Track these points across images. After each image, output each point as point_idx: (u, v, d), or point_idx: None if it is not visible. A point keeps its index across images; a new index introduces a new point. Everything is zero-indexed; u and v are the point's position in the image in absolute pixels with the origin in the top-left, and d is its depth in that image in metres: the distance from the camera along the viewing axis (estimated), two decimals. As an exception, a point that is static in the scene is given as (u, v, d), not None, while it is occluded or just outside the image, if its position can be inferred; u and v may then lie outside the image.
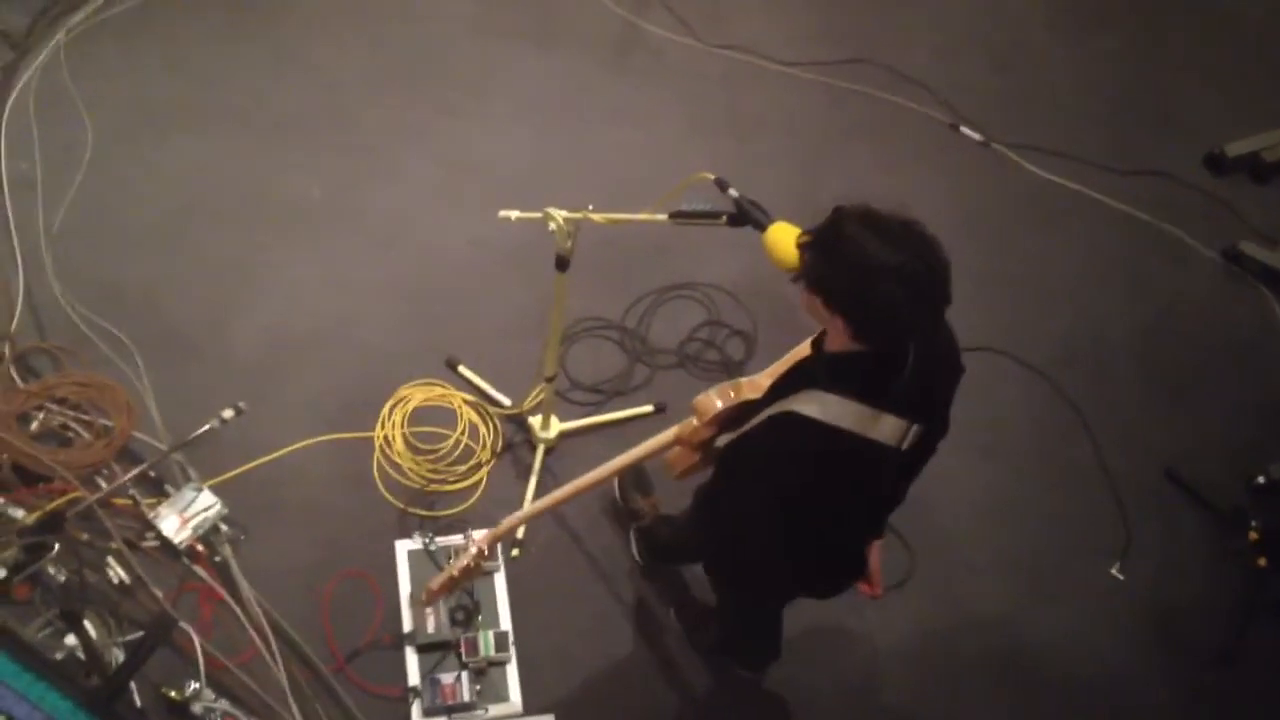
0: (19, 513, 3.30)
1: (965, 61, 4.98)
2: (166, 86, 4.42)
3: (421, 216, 4.21)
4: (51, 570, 3.24)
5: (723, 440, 2.63)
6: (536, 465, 3.65)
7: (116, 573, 3.29)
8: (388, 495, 3.58)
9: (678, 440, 2.76)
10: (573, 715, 3.31)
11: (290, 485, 3.56)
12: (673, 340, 4.03)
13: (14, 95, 4.29)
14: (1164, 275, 4.46)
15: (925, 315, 2.15)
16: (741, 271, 4.13)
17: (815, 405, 2.23)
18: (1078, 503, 3.88)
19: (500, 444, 3.72)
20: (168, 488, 3.46)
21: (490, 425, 3.74)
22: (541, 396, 3.62)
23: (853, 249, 2.11)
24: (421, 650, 3.30)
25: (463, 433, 3.69)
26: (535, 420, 3.69)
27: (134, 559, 3.32)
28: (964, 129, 4.72)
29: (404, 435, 3.66)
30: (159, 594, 3.28)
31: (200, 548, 3.36)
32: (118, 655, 3.10)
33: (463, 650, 3.28)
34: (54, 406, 3.56)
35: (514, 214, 2.92)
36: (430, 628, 3.31)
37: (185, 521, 3.35)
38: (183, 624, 3.17)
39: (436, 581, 3.05)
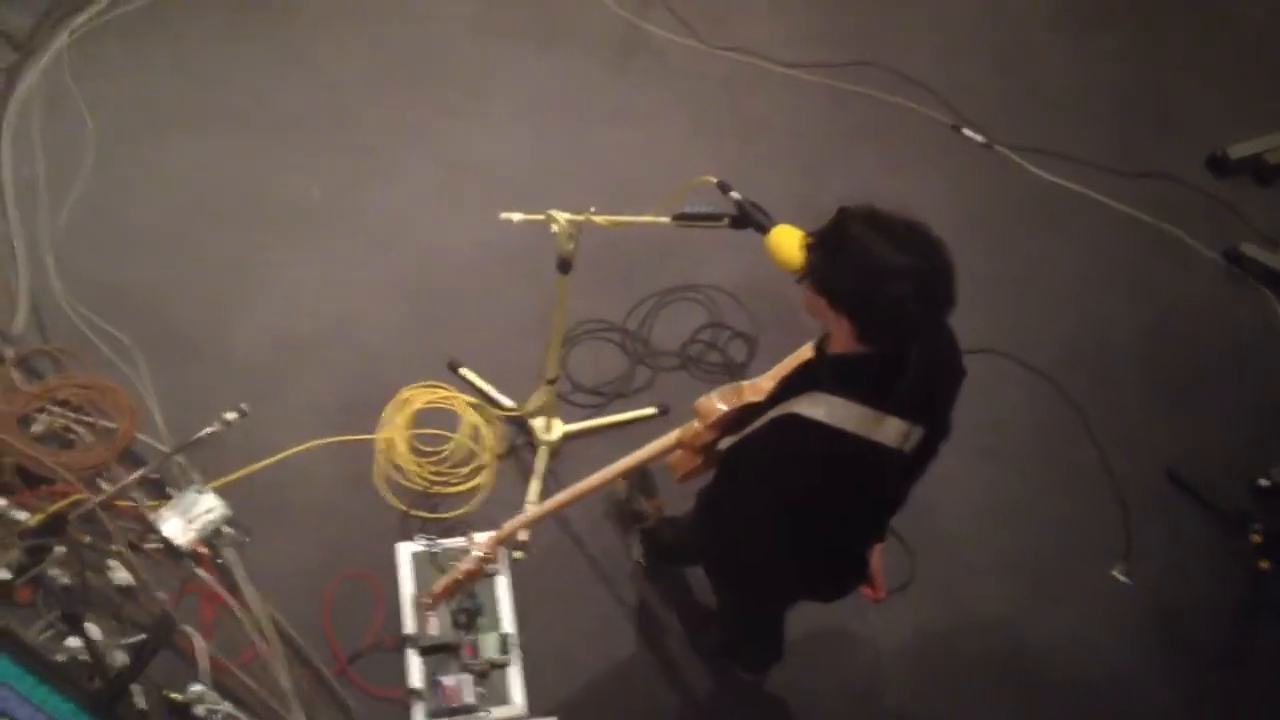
0: (22, 515, 3.30)
1: (967, 63, 4.98)
2: (169, 88, 4.42)
3: (423, 217, 4.21)
4: (54, 573, 3.23)
5: (725, 443, 2.63)
6: (539, 468, 3.65)
7: (119, 575, 3.29)
8: (390, 497, 3.58)
9: (680, 443, 2.76)
10: (575, 717, 3.30)
11: (292, 487, 3.56)
12: (675, 342, 4.03)
13: (17, 96, 4.30)
14: (1166, 277, 4.45)
15: (931, 316, 2.16)
16: (743, 273, 4.13)
17: (818, 407, 2.23)
18: (1080, 504, 3.87)
19: (503, 446, 3.71)
20: (170, 490, 3.46)
21: (492, 427, 3.73)
22: (544, 399, 3.62)
23: (859, 250, 2.11)
24: (424, 652, 3.30)
25: (465, 435, 3.69)
26: (537, 422, 3.69)
27: (137, 561, 3.32)
28: (966, 131, 4.72)
29: (406, 437, 3.66)
30: (162, 596, 3.28)
31: (203, 550, 3.35)
32: (120, 657, 3.10)
33: (465, 652, 3.28)
34: (56, 409, 3.56)
35: (516, 216, 2.92)
36: (433, 630, 3.31)
37: (188, 523, 3.35)
38: (185, 626, 3.17)
39: (440, 585, 3.05)
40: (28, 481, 3.40)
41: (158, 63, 4.48)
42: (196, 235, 4.06)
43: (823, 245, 2.19)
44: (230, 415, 3.53)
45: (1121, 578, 3.70)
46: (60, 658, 3.06)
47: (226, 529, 3.39)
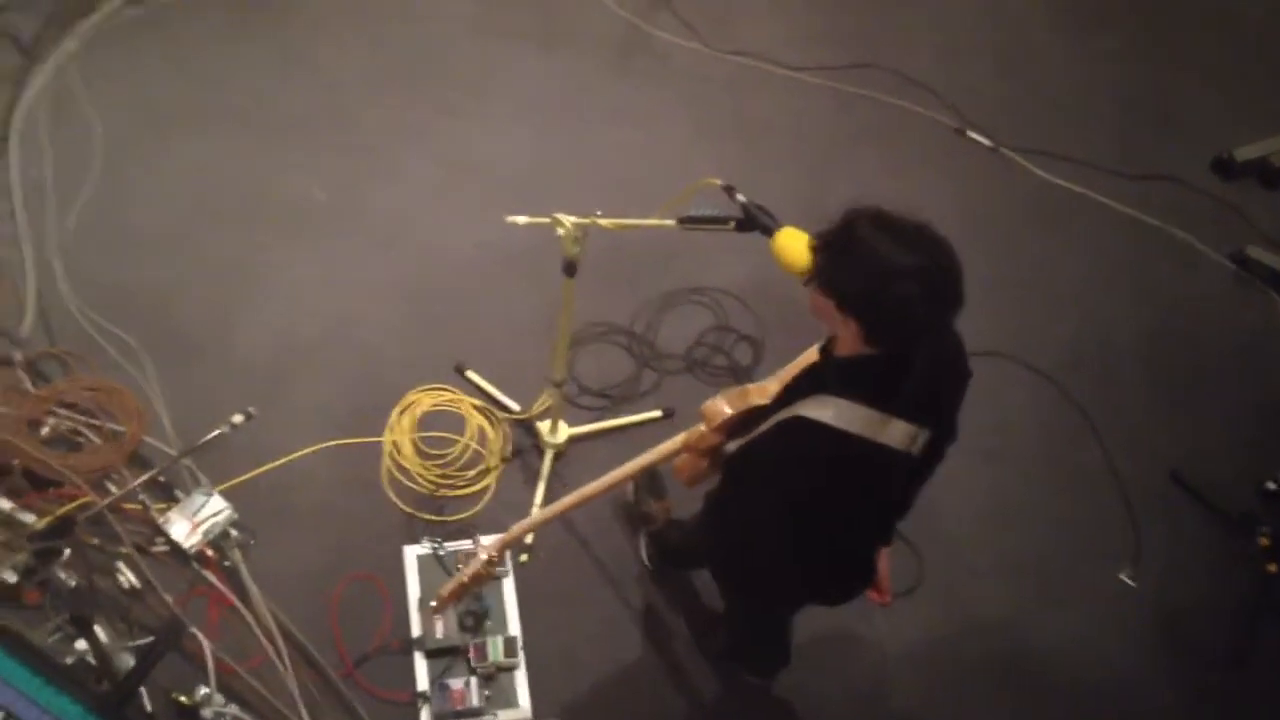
0: (29, 518, 3.30)
1: (969, 64, 4.97)
2: (175, 90, 4.43)
3: (426, 218, 4.22)
4: (62, 575, 3.24)
5: (731, 446, 2.63)
6: (545, 470, 3.65)
7: (126, 578, 3.30)
8: (396, 500, 3.58)
9: (686, 447, 2.76)
10: (581, 720, 3.32)
11: (299, 490, 3.57)
12: (681, 345, 4.04)
13: (25, 100, 4.30)
14: (1172, 279, 4.45)
15: (938, 317, 2.16)
16: (749, 276, 4.13)
17: (825, 410, 2.23)
18: (1085, 507, 3.87)
19: (509, 449, 3.72)
20: (177, 493, 3.46)
21: (498, 430, 3.74)
22: (550, 402, 3.62)
23: (866, 251, 2.11)
24: (430, 655, 3.31)
25: (471, 438, 3.70)
26: (544, 425, 3.69)
27: (144, 564, 3.32)
28: (971, 133, 4.72)
29: (412, 440, 3.67)
30: (169, 599, 3.29)
31: (210, 553, 3.36)
32: (128, 660, 3.10)
33: (471, 655, 3.29)
34: (64, 411, 3.57)
35: (522, 219, 2.92)
36: (439, 633, 3.32)
37: (195, 526, 3.35)
38: (192, 629, 3.18)
39: (447, 588, 3.05)
40: (36, 484, 3.40)
41: (164, 66, 4.49)
42: (202, 237, 4.07)
43: (830, 247, 2.19)
44: (237, 418, 3.54)
45: (1129, 581, 3.70)
46: (68, 660, 3.06)
47: (233, 532, 3.40)
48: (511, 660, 3.30)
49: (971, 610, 3.62)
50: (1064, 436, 4.01)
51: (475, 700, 3.24)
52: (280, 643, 3.25)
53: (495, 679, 3.29)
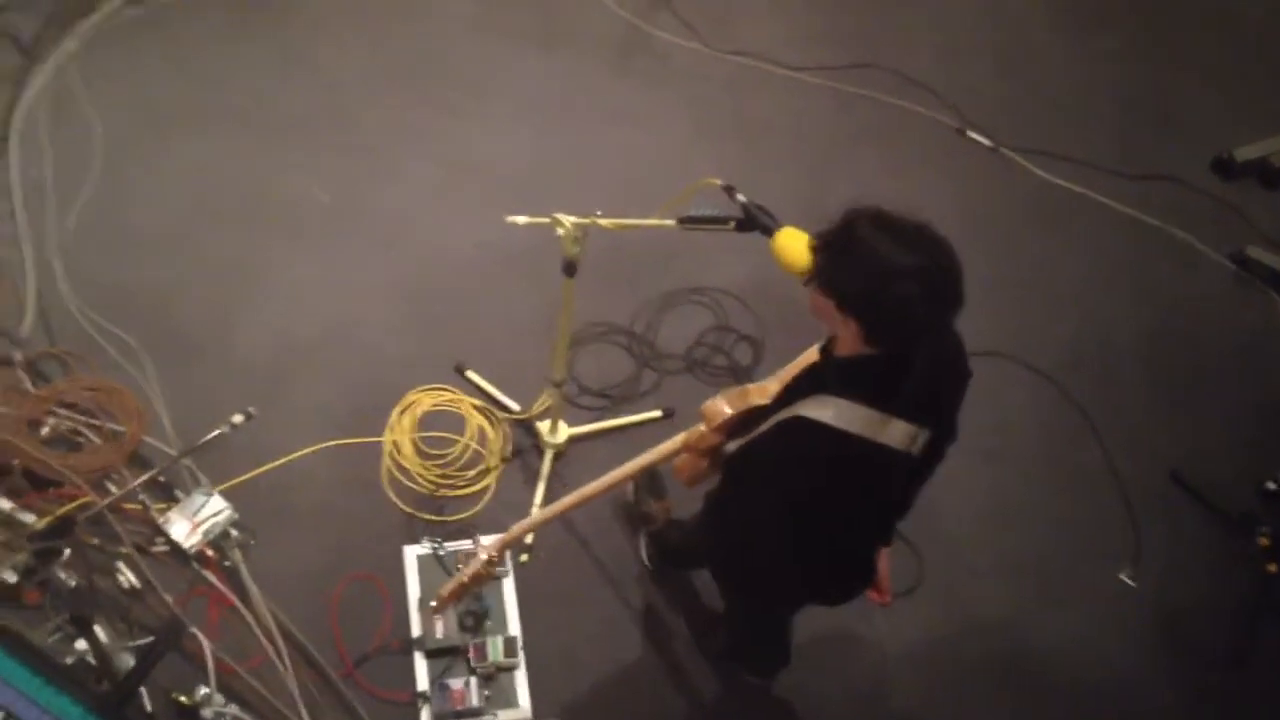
0: (29, 518, 3.31)
1: (969, 64, 4.98)
2: (175, 90, 4.43)
3: (426, 218, 4.22)
4: (62, 575, 3.24)
5: (731, 446, 2.63)
6: (545, 470, 3.65)
7: (126, 578, 3.30)
8: (396, 500, 3.59)
9: (685, 447, 2.76)
10: (581, 720, 3.32)
11: (299, 490, 3.57)
12: (680, 345, 4.04)
13: (25, 100, 4.30)
14: (1172, 280, 4.46)
15: (938, 316, 2.16)
16: (749, 276, 4.13)
17: (825, 410, 2.23)
18: (1085, 507, 3.88)
19: (509, 449, 3.72)
20: (177, 492, 3.46)
21: (498, 430, 3.74)
22: (550, 402, 3.62)
23: (866, 251, 2.11)
24: (430, 655, 3.31)
25: (471, 438, 3.70)
26: (543, 425, 3.69)
27: (144, 564, 3.32)
28: (972, 133, 4.72)
29: (412, 440, 3.67)
30: (169, 599, 3.29)
31: (210, 553, 3.36)
32: (128, 660, 3.10)
33: (471, 655, 3.29)
34: (64, 411, 3.57)
35: (522, 219, 2.92)
36: (439, 633, 3.32)
37: (195, 526, 3.35)
38: (192, 629, 3.18)
39: (447, 588, 3.05)
40: (36, 484, 3.40)
41: (164, 66, 4.49)
42: (202, 237, 4.07)
43: (830, 246, 2.19)
44: (237, 418, 3.54)
45: (1129, 581, 3.70)
46: (68, 660, 3.07)
47: (233, 531, 3.40)
48: (511, 660, 3.30)
49: (971, 610, 3.62)
50: (1064, 436, 4.01)
51: (475, 700, 3.24)
52: (280, 643, 3.25)
53: (495, 679, 3.29)
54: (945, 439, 2.44)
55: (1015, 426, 3.99)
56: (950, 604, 3.61)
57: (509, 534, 3.03)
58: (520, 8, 4.89)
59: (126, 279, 3.92)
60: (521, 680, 3.31)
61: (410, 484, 3.61)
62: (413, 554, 3.48)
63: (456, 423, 3.74)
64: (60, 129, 4.25)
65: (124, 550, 3.33)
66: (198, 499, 3.40)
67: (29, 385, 3.63)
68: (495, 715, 3.25)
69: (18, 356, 3.68)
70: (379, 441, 3.67)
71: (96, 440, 3.53)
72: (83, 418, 3.56)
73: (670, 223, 2.86)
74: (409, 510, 3.57)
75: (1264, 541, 3.74)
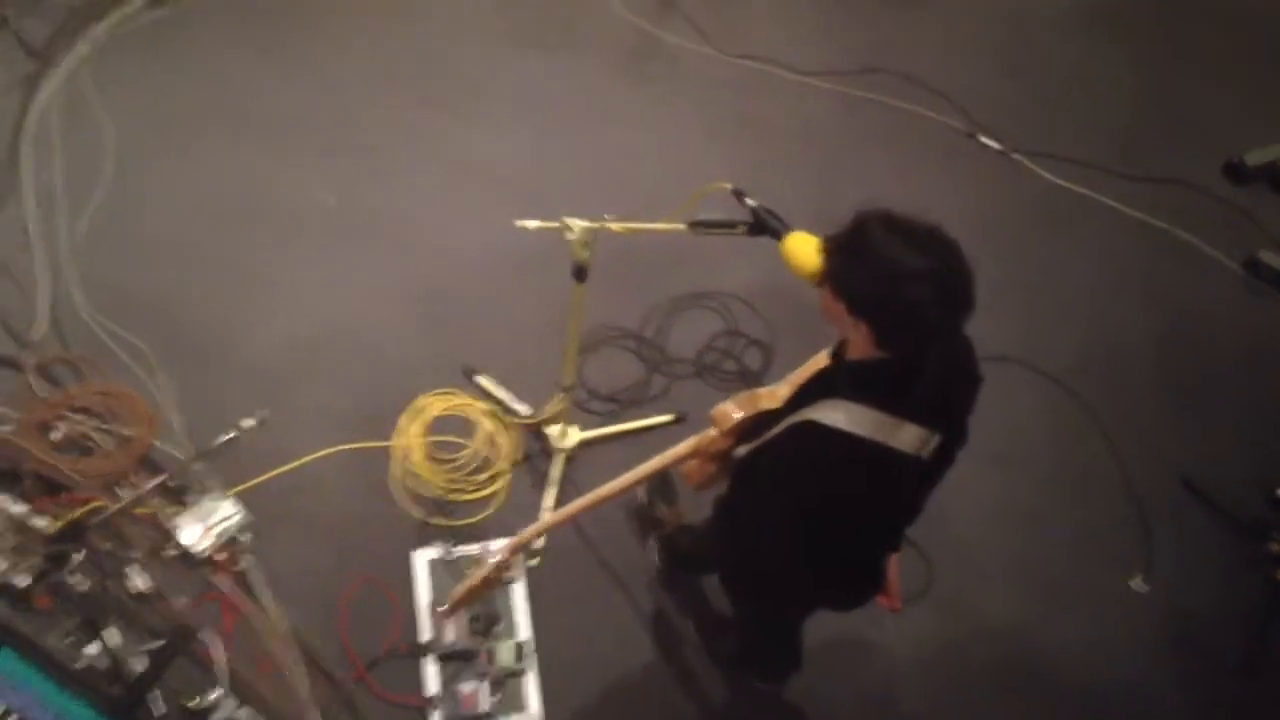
0: (41, 522, 3.31)
1: (980, 69, 4.98)
2: (187, 95, 4.45)
3: (436, 223, 4.23)
4: (73, 579, 3.25)
5: (741, 451, 2.63)
6: (555, 475, 3.65)
7: (137, 582, 3.30)
8: (406, 505, 3.59)
9: (696, 451, 2.76)
10: (591, 726, 3.31)
11: (309, 494, 3.58)
12: (690, 350, 4.04)
13: (37, 105, 4.32)
14: (1182, 284, 4.45)
15: (949, 319, 2.15)
16: (759, 280, 4.13)
17: (836, 413, 2.23)
18: (1095, 512, 3.86)
19: (519, 454, 3.72)
20: (188, 497, 3.47)
21: (508, 435, 3.74)
22: (560, 406, 3.62)
23: (878, 253, 2.11)
24: (441, 660, 3.30)
25: (481, 442, 3.70)
26: (553, 430, 3.69)
27: (155, 568, 3.33)
28: (982, 137, 4.72)
29: (423, 445, 3.67)
30: (180, 603, 3.29)
31: (221, 556, 3.37)
32: (139, 664, 3.11)
33: (482, 660, 3.29)
34: (75, 416, 3.58)
35: (532, 223, 2.92)
36: (449, 637, 3.32)
37: (206, 530, 3.36)
38: (203, 633, 3.19)
39: (458, 592, 3.05)
40: (47, 489, 3.41)
41: (176, 71, 4.52)
42: (212, 241, 4.08)
43: (841, 249, 2.19)
44: (248, 422, 3.55)
45: (1138, 587, 3.69)
46: (79, 664, 3.07)
47: (243, 535, 3.40)
48: (522, 665, 3.30)
49: (981, 615, 3.61)
50: (1074, 441, 4.00)
51: (485, 705, 3.23)
52: (291, 646, 3.25)
53: (505, 683, 3.29)
54: (956, 443, 2.43)
55: (1025, 431, 3.98)
56: (960, 609, 3.60)
57: (519, 537, 3.04)
58: (530, 12, 4.91)
59: (137, 283, 3.93)
60: (532, 684, 3.30)
61: (420, 489, 3.61)
62: (423, 558, 3.48)
63: (467, 427, 3.74)
64: (72, 133, 4.27)
65: (135, 554, 3.34)
66: (208, 503, 3.41)
67: (40, 390, 3.64)
68: (505, 719, 3.25)
69: (30, 361, 3.69)
70: (389, 446, 3.67)
71: (108, 445, 3.54)
72: (94, 422, 3.57)
73: (680, 227, 2.86)
74: (419, 515, 3.57)
75: (1275, 548, 3.72)
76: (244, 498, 3.47)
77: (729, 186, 2.83)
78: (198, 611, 3.30)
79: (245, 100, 4.46)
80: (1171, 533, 3.82)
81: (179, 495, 3.49)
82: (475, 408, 3.77)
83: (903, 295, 2.08)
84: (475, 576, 3.00)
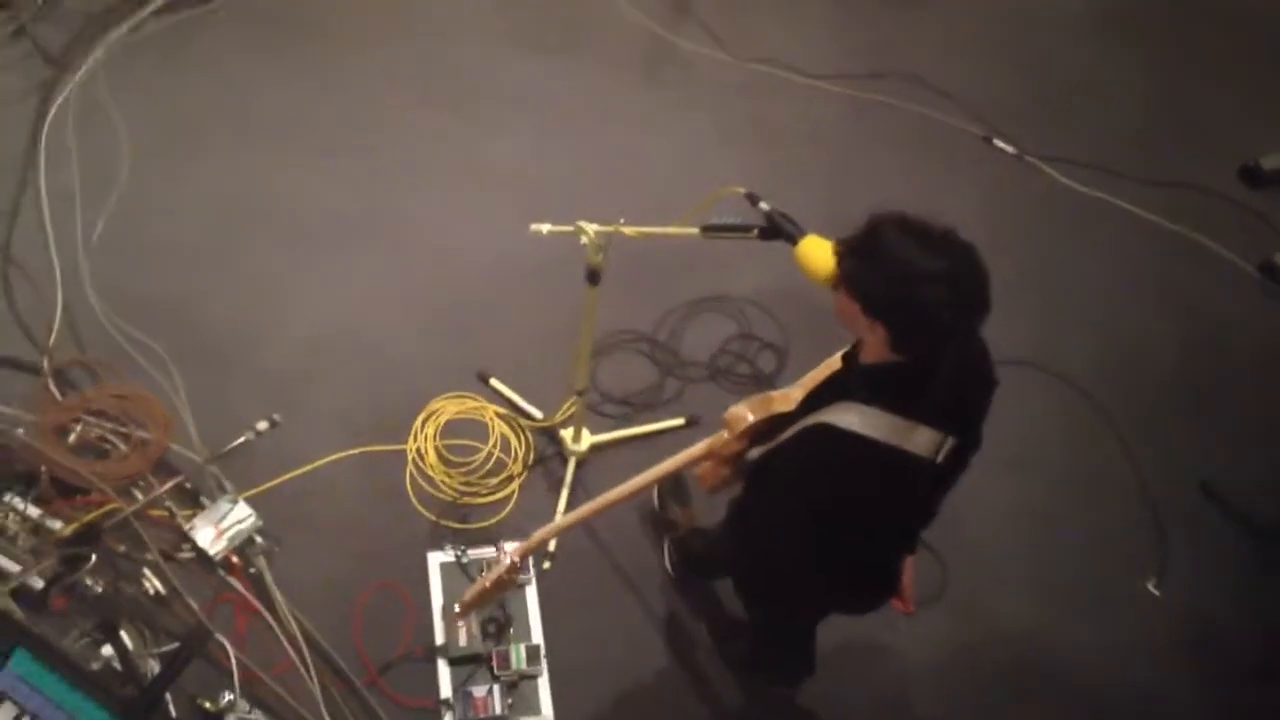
0: (57, 524, 3.33)
1: (995, 73, 4.96)
2: (201, 100, 4.47)
3: (451, 228, 4.23)
4: (89, 581, 3.26)
5: (754, 453, 2.63)
6: (568, 478, 3.66)
7: (152, 584, 3.31)
8: (420, 508, 3.59)
9: (709, 454, 2.75)
10: (604, 729, 3.31)
11: (323, 497, 3.58)
12: (704, 353, 4.04)
13: (53, 111, 4.34)
14: (1198, 288, 4.43)
15: (965, 321, 2.15)
16: (772, 283, 4.13)
17: (850, 417, 2.23)
18: (1109, 515, 3.85)
19: (532, 457, 3.73)
20: (203, 499, 3.48)
21: (522, 438, 3.75)
22: (573, 409, 3.63)
23: (893, 255, 2.11)
24: (453, 663, 3.31)
25: (495, 445, 3.71)
26: (567, 433, 3.70)
27: (170, 570, 3.34)
28: (997, 141, 4.71)
29: (436, 448, 3.68)
30: (195, 605, 3.30)
31: (235, 559, 3.38)
32: (153, 666, 3.12)
33: (495, 663, 3.29)
34: (91, 419, 3.59)
35: (545, 228, 2.92)
36: (462, 640, 3.32)
37: (220, 533, 3.37)
38: (217, 635, 3.19)
39: (469, 594, 3.05)
40: (63, 491, 3.42)
41: (191, 76, 4.53)
42: (230, 247, 4.10)
43: (856, 252, 2.19)
44: (262, 425, 3.56)
45: (1154, 591, 3.68)
46: (95, 666, 3.08)
47: (258, 538, 3.41)
48: (534, 668, 3.30)
49: (995, 619, 3.60)
50: (1088, 444, 3.99)
51: (498, 708, 3.24)
52: (304, 649, 3.26)
53: (518, 687, 3.29)
54: (970, 447, 2.42)
55: (1040, 433, 3.97)
56: (974, 613, 3.59)
57: (531, 540, 3.04)
58: (545, 19, 4.91)
59: (153, 286, 3.95)
60: (544, 688, 3.30)
61: (434, 491, 3.61)
62: (436, 561, 3.48)
63: (480, 430, 3.74)
64: (88, 138, 4.28)
65: (150, 557, 3.35)
66: (223, 506, 3.42)
67: (57, 393, 3.66)
68: (518, 723, 3.26)
69: (46, 364, 3.71)
70: (403, 449, 3.68)
71: (123, 448, 3.55)
72: (110, 425, 3.58)
73: (694, 231, 2.86)
74: (432, 518, 3.57)
75: (1291, 550, 3.71)
76: (259, 500, 3.48)
77: (742, 190, 2.83)
78: (212, 614, 3.31)
79: (260, 106, 4.47)
80: (1186, 535, 3.80)
81: (194, 498, 3.50)
82: (489, 411, 3.78)
83: (918, 297, 2.08)
84: (488, 576, 3.00)
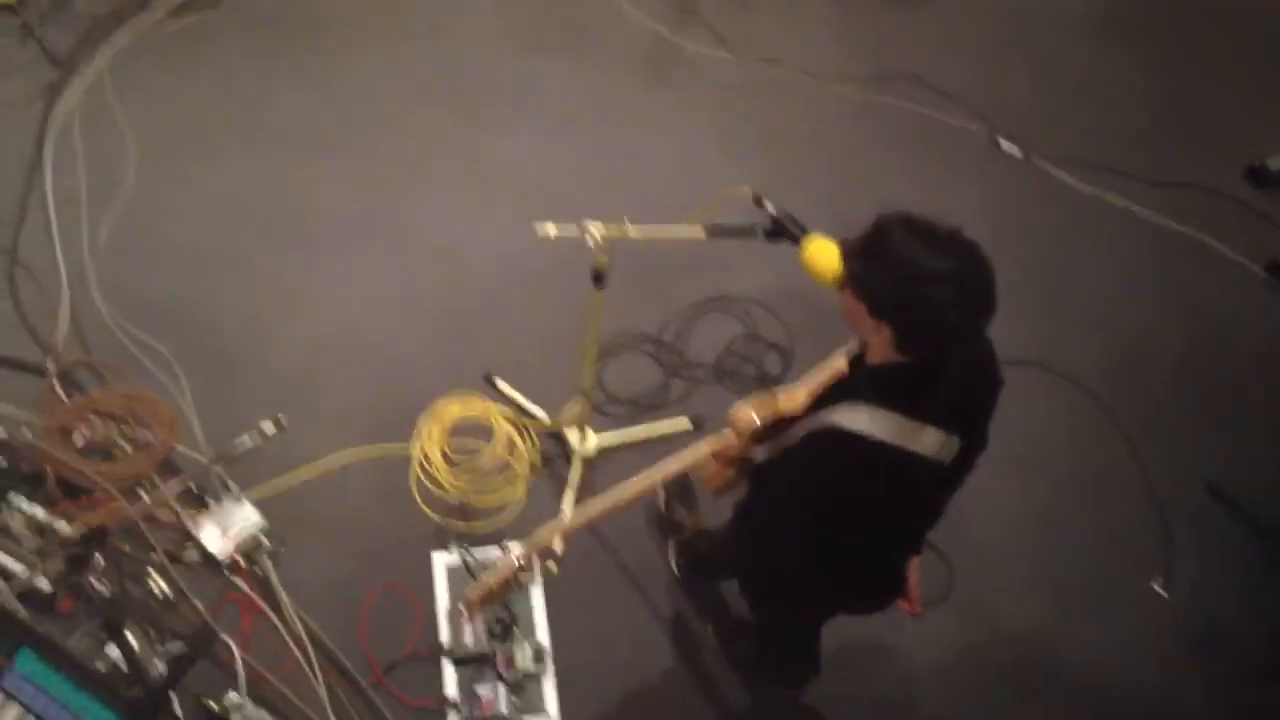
0: (63, 525, 3.33)
1: (1000, 74, 4.96)
2: (208, 104, 4.48)
3: (456, 229, 4.24)
4: (94, 582, 3.27)
5: (759, 454, 2.62)
6: (573, 479, 3.66)
7: (158, 585, 3.32)
8: (425, 509, 3.59)
9: (714, 455, 2.75)
10: (610, 729, 3.31)
11: (329, 498, 3.59)
12: (709, 354, 4.03)
13: (59, 113, 4.36)
14: (1204, 288, 4.42)
15: (972, 320, 2.14)
16: (777, 284, 4.13)
17: (857, 417, 2.22)
18: (1115, 516, 3.84)
19: (537, 458, 3.73)
20: (209, 500, 3.49)
21: (527, 439, 3.75)
22: (578, 410, 3.63)
23: (898, 255, 2.11)
24: (459, 663, 3.31)
25: (500, 446, 3.71)
26: (572, 434, 3.69)
27: (175, 571, 3.35)
28: (1004, 143, 4.70)
29: (442, 449, 3.68)
30: (200, 606, 3.30)
31: (241, 560, 3.38)
32: (159, 667, 3.12)
33: (500, 663, 3.29)
34: (97, 420, 3.60)
35: (551, 228, 2.92)
36: (468, 641, 3.32)
37: (226, 534, 3.37)
38: (223, 636, 3.20)
39: (474, 591, 3.05)
40: (69, 492, 3.43)
41: (197, 79, 4.54)
42: (236, 249, 4.10)
43: (862, 252, 2.19)
44: (268, 426, 3.56)
45: (1161, 591, 3.67)
46: (100, 666, 3.08)
47: (264, 539, 3.42)
48: (540, 668, 3.30)
49: (1001, 620, 3.60)
50: (1094, 444, 3.98)
51: (504, 708, 3.24)
52: (310, 650, 3.27)
53: (524, 687, 3.29)
54: (976, 447, 2.42)
55: (1045, 434, 3.96)
56: (980, 613, 3.59)
57: (537, 541, 3.03)
58: (549, 21, 4.91)
59: (159, 288, 3.96)
60: (550, 688, 3.31)
61: (439, 493, 3.62)
62: (441, 562, 3.49)
63: (486, 432, 3.74)
64: (94, 141, 4.30)
65: (156, 558, 3.36)
66: (228, 506, 3.42)
67: (63, 394, 3.66)
68: (523, 723, 3.26)
69: (52, 366, 3.71)
70: (408, 450, 3.68)
71: (129, 449, 3.56)
72: (116, 426, 3.59)
73: (699, 232, 2.86)
74: (438, 519, 3.58)
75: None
76: (265, 501, 3.48)
77: (748, 191, 2.83)
78: (218, 615, 3.31)
79: (267, 109, 4.48)
80: (1192, 536, 3.79)
81: (199, 499, 3.50)
82: (494, 412, 3.78)
83: (925, 296, 2.07)
84: (493, 573, 3.00)
